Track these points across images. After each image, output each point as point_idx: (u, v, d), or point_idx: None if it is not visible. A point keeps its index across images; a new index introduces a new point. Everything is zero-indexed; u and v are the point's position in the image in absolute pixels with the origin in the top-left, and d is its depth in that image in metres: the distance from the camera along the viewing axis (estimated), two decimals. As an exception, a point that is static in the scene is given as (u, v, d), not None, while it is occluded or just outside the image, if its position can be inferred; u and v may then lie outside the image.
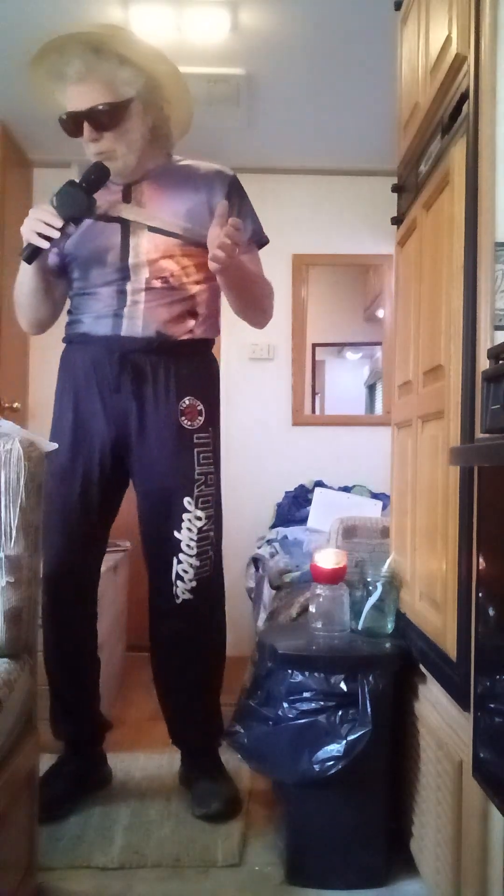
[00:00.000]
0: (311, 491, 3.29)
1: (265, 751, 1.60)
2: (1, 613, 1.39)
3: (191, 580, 1.85)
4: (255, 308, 1.95)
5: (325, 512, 2.99)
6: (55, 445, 1.54)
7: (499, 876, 1.20)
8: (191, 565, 1.85)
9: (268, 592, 2.54)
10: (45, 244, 1.69)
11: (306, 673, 1.58)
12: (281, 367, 3.57)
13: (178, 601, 1.85)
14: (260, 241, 1.93)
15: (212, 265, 1.68)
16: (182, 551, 1.84)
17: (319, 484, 3.36)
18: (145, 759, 2.16)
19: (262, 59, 2.66)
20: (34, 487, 1.42)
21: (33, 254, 1.74)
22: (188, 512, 1.84)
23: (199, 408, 1.87)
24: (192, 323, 1.88)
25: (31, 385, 3.53)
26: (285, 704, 1.58)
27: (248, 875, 1.61)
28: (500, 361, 1.18)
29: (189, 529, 1.85)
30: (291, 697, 1.58)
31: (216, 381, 1.97)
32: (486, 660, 1.17)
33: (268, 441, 3.54)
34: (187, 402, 1.85)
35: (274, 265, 3.48)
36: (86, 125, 1.75)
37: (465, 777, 1.27)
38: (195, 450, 1.86)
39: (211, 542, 1.88)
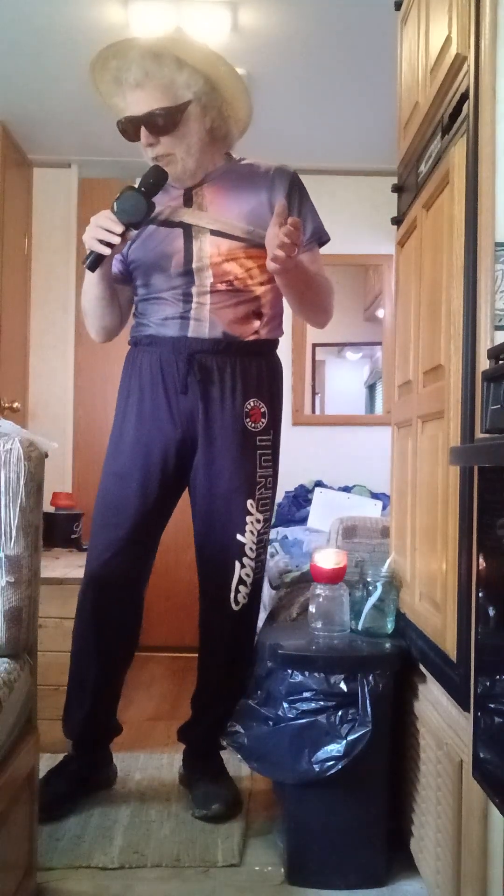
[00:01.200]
0: (311, 491, 3.29)
1: (265, 751, 1.60)
2: (1, 613, 1.39)
3: (251, 584, 1.87)
4: (317, 308, 1.95)
5: (325, 512, 2.99)
6: (55, 445, 1.54)
7: (499, 876, 1.20)
8: (252, 569, 1.87)
9: (268, 592, 2.54)
10: (106, 251, 1.70)
11: (306, 673, 1.58)
12: (281, 367, 3.56)
13: (238, 607, 1.87)
14: (321, 239, 1.91)
15: (270, 265, 1.67)
16: (245, 555, 1.85)
17: (319, 484, 3.37)
18: (145, 759, 2.16)
19: (262, 58, 2.66)
20: (34, 487, 1.42)
21: (96, 261, 1.73)
22: (251, 514, 1.85)
23: (262, 410, 1.88)
24: (257, 324, 1.89)
25: (31, 385, 3.54)
26: (285, 704, 1.58)
27: (248, 875, 1.61)
28: (500, 361, 1.18)
29: (251, 532, 1.86)
30: (291, 697, 1.58)
31: (280, 382, 1.97)
32: (486, 660, 1.17)
33: (268, 441, 3.53)
34: (252, 404, 1.86)
35: (274, 265, 3.51)
36: (143, 130, 1.75)
37: (465, 777, 1.27)
38: (258, 452, 1.87)
39: (265, 545, 1.90)
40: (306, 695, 1.57)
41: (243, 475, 1.85)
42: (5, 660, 1.37)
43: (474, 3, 1.31)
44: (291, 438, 3.52)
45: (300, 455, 3.50)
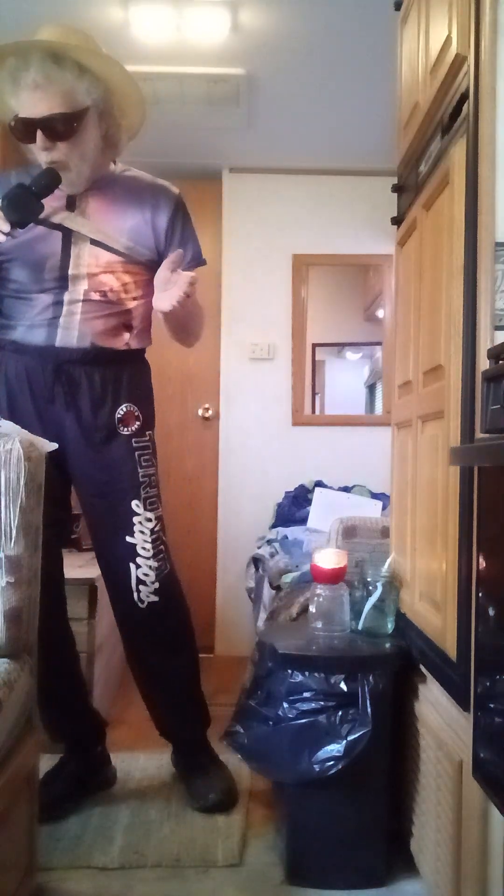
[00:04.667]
0: (311, 491, 3.29)
1: (265, 751, 1.60)
2: (1, 613, 1.39)
3: (153, 582, 1.86)
4: (190, 333, 1.97)
5: (325, 512, 2.99)
6: (55, 445, 1.54)
7: (499, 876, 1.20)
8: (151, 567, 1.86)
9: (268, 592, 2.54)
10: None
11: (306, 673, 1.58)
12: (281, 367, 3.57)
13: (144, 605, 1.86)
14: (199, 263, 1.92)
15: (160, 306, 1.70)
16: (139, 555, 1.85)
17: (319, 484, 3.36)
18: (145, 759, 2.16)
19: (262, 59, 2.66)
20: (34, 487, 1.42)
21: None
22: (138, 515, 1.85)
23: (136, 413, 1.88)
24: (127, 335, 1.88)
25: (31, 385, 3.53)
26: (285, 704, 1.58)
27: (248, 875, 1.61)
28: (500, 361, 1.18)
29: (142, 532, 1.86)
30: (291, 697, 1.58)
31: (149, 385, 1.98)
32: (486, 660, 1.17)
33: (268, 441, 3.54)
34: (124, 409, 1.86)
35: (274, 265, 3.52)
36: (39, 133, 1.69)
37: (465, 777, 1.27)
38: (136, 453, 1.87)
39: (162, 540, 1.90)
40: (306, 695, 1.57)
41: (125, 478, 1.86)
42: (5, 660, 1.37)
43: (474, 3, 1.31)
44: (291, 438, 3.54)
45: (300, 455, 3.51)
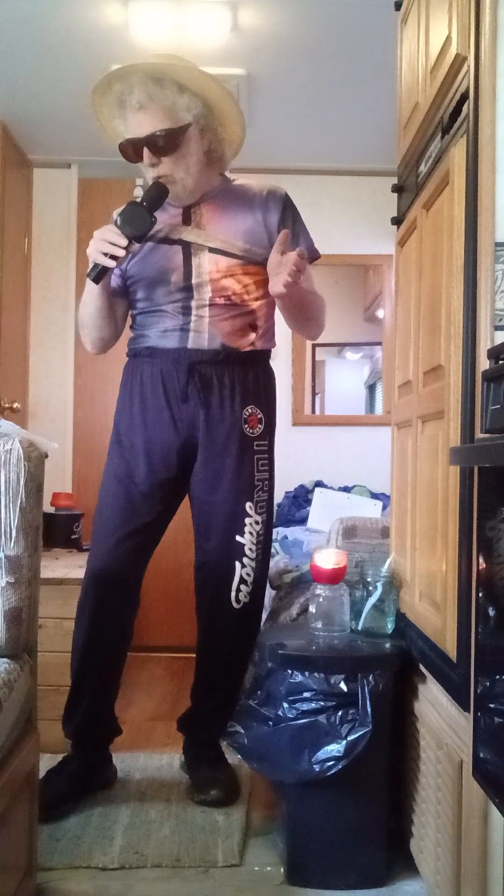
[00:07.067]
0: (311, 491, 3.29)
1: (265, 751, 1.60)
2: (1, 613, 1.39)
3: (252, 583, 1.92)
4: (311, 322, 2.02)
5: (325, 512, 2.99)
6: (55, 445, 1.55)
7: (499, 876, 1.20)
8: (253, 569, 1.92)
9: (268, 592, 2.54)
10: (111, 263, 1.75)
11: (306, 673, 1.58)
12: (281, 367, 3.56)
13: (239, 606, 1.92)
14: (312, 256, 1.96)
15: (275, 290, 1.77)
16: (245, 555, 1.91)
17: (319, 484, 3.36)
18: (145, 759, 2.16)
19: (262, 59, 2.66)
20: (34, 487, 1.42)
21: (101, 273, 1.79)
22: (250, 517, 1.92)
23: (259, 416, 1.95)
24: (253, 335, 1.95)
25: (31, 385, 3.54)
26: (285, 704, 1.58)
27: (248, 875, 1.61)
28: (500, 361, 1.18)
29: (251, 534, 1.92)
30: (291, 697, 1.58)
31: (273, 389, 2.04)
32: (486, 660, 1.17)
33: (268, 441, 3.54)
34: (250, 411, 1.93)
35: (274, 265, 3.51)
36: (146, 150, 1.81)
37: (465, 777, 1.27)
38: (255, 456, 1.94)
39: (264, 545, 1.96)
40: (306, 695, 1.57)
41: (243, 478, 1.92)
42: (5, 660, 1.37)
43: (474, 3, 1.31)
44: (291, 438, 3.54)
45: (300, 455, 3.51)
